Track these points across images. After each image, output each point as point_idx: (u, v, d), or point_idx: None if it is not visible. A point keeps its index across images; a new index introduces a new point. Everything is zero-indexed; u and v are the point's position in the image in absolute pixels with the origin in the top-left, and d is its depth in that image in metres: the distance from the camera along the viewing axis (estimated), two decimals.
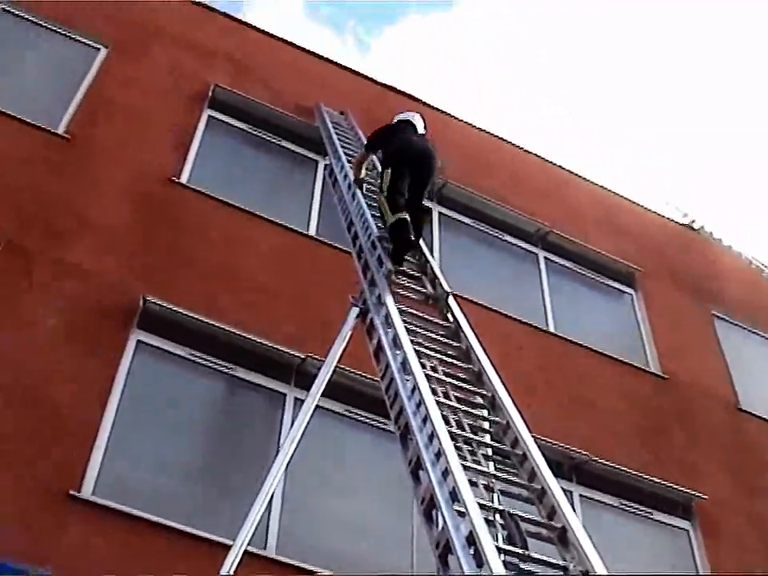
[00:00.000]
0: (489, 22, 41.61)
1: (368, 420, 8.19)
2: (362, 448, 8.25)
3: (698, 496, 9.65)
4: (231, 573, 5.41)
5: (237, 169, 10.45)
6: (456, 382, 5.89)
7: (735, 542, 9.69)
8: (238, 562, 5.46)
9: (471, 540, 4.14)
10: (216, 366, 8.04)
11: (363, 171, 8.47)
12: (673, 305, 12.34)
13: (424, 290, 7.05)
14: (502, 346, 8.86)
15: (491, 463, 5.23)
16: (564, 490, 4.84)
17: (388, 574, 7.24)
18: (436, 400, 5.29)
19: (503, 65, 43.45)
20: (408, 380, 5.54)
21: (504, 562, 4.12)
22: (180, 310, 8.05)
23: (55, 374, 7.30)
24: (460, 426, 5.41)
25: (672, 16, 38.33)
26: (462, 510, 4.32)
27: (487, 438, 5.48)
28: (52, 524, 6.43)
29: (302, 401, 6.62)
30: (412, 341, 5.96)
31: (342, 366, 6.97)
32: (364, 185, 8.38)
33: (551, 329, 10.85)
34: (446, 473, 4.62)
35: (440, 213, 11.29)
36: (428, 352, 6.12)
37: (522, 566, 4.31)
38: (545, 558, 4.36)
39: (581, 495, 9.01)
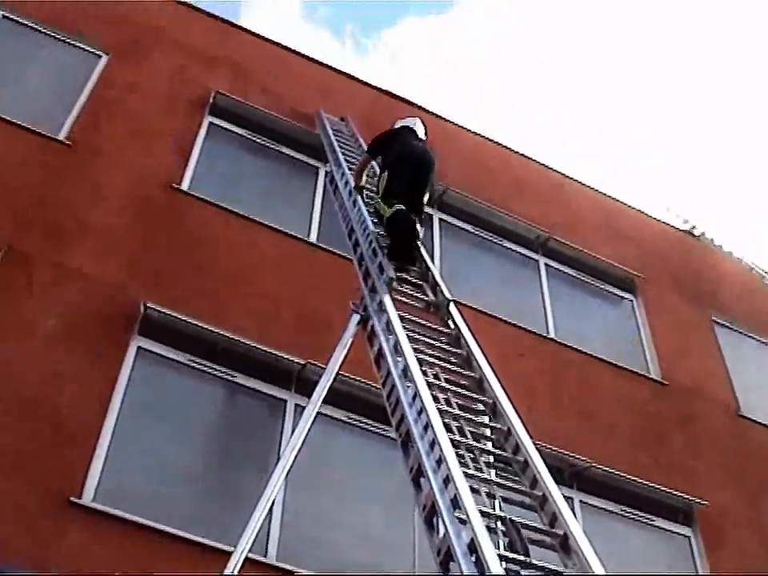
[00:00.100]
0: (488, 23, 41.72)
1: (369, 427, 8.19)
2: (363, 455, 8.24)
3: (698, 502, 9.65)
4: None
5: (238, 175, 10.46)
6: (457, 389, 5.89)
7: (736, 548, 9.68)
8: (239, 568, 5.46)
9: (473, 547, 4.14)
10: (217, 373, 8.04)
11: (364, 177, 8.48)
12: (673, 311, 12.34)
13: (425, 297, 7.05)
14: (503, 353, 8.85)
15: (493, 470, 5.23)
16: (565, 497, 4.84)
17: (390, 573, 7.25)
18: (437, 407, 5.29)
19: (503, 66, 43.55)
20: (409, 387, 5.54)
21: (505, 569, 4.12)
22: (180, 317, 8.05)
23: (56, 381, 7.30)
24: (461, 433, 5.41)
25: (673, 16, 38.39)
26: (464, 517, 4.32)
27: (489, 445, 5.47)
28: (53, 530, 6.44)
29: (303, 407, 6.63)
30: (413, 348, 5.95)
31: (343, 373, 6.96)
32: (365, 191, 8.39)
33: (552, 335, 10.85)
34: (448, 480, 4.62)
35: (441, 219, 11.30)
36: (429, 359, 6.12)
37: (523, 572, 4.31)
38: (546, 565, 4.36)
39: (581, 502, 9.01)
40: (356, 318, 6.75)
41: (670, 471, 9.94)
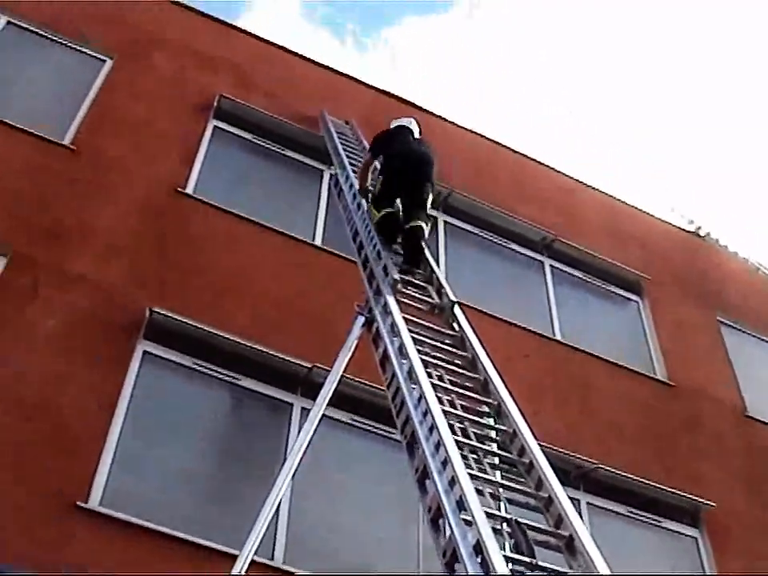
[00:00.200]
0: (488, 22, 41.74)
1: (374, 429, 8.18)
2: (369, 457, 8.23)
3: (705, 503, 9.63)
4: None
5: (243, 179, 10.47)
6: (462, 391, 5.90)
7: (744, 549, 9.65)
8: (245, 571, 5.46)
9: (478, 549, 4.15)
10: (222, 376, 8.05)
11: (369, 178, 8.51)
12: (679, 312, 12.32)
13: (430, 300, 7.06)
14: (508, 354, 8.86)
15: (498, 472, 5.24)
16: (571, 498, 4.83)
17: (393, 573, 7.25)
18: (442, 409, 5.30)
19: (503, 65, 43.51)
20: (414, 389, 5.55)
21: (511, 570, 4.12)
22: (186, 321, 8.06)
23: (62, 385, 7.31)
24: (466, 434, 5.41)
25: (675, 15, 38.35)
26: (469, 518, 4.32)
27: (494, 447, 5.48)
28: (59, 534, 6.44)
29: (309, 410, 6.61)
30: (418, 350, 5.97)
31: (348, 375, 6.97)
32: (369, 194, 8.41)
33: (557, 336, 10.84)
34: (453, 482, 4.63)
35: (445, 222, 11.30)
36: (434, 361, 6.12)
37: (528, 574, 4.31)
38: (552, 567, 4.36)
39: (588, 503, 8.99)
40: (361, 320, 6.76)
41: (676, 472, 9.91)
